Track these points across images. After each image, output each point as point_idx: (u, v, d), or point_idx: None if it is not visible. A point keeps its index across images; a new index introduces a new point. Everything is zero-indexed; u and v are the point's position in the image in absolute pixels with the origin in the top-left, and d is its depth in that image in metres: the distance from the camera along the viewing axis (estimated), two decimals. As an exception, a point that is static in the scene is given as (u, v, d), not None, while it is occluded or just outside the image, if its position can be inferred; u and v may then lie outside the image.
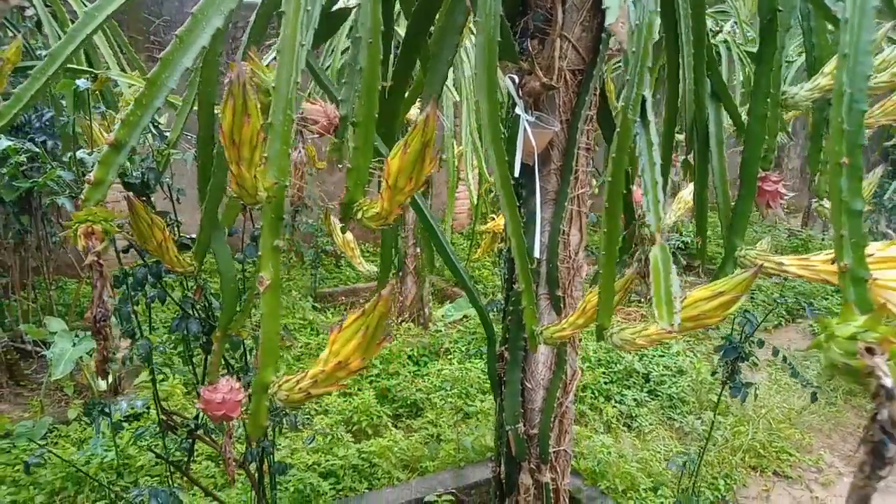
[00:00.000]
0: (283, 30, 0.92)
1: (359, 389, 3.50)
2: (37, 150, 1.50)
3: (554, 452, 1.87)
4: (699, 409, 3.61)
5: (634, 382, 3.89)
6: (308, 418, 3.24)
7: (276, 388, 0.90)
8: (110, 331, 0.96)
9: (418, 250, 4.43)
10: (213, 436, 1.98)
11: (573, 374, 1.87)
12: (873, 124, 1.21)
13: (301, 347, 4.02)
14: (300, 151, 1.34)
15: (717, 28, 3.52)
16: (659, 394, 3.77)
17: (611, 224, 1.10)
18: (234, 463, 1.84)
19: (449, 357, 4.02)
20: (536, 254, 1.65)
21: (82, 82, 1.40)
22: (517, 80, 1.57)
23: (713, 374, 2.61)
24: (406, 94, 1.92)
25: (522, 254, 1.37)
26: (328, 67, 4.02)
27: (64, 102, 2.96)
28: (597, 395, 3.70)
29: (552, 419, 1.83)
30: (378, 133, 1.82)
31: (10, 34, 3.53)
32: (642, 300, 1.36)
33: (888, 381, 0.72)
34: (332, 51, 3.99)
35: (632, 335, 1.12)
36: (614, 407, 3.58)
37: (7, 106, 1.18)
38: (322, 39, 1.58)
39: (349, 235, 2.45)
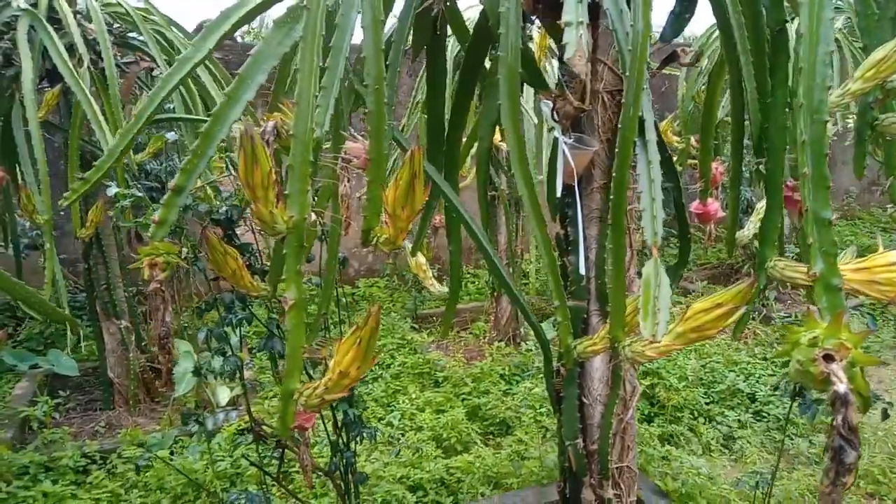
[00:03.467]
0: (299, 84, 1.07)
1: (451, 406, 3.61)
2: (139, 194, 1.76)
3: (616, 469, 1.88)
4: (811, 430, 3.38)
5: (738, 402, 3.70)
6: (401, 433, 3.39)
7: (298, 394, 1.03)
8: (172, 346, 1.14)
9: (511, 270, 4.50)
10: (297, 445, 2.16)
11: (633, 389, 1.87)
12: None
13: (398, 366, 4.20)
14: (345, 186, 1.49)
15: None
16: (765, 415, 3.57)
17: (616, 238, 1.15)
18: (312, 470, 2.02)
19: (539, 376, 4.03)
20: (582, 270, 1.70)
21: (172, 135, 1.64)
22: (552, 105, 1.63)
23: (774, 389, 2.46)
24: (465, 122, 2.04)
25: (555, 270, 1.43)
26: (419, 101, 4.25)
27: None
28: (696, 415, 3.56)
29: (612, 435, 1.84)
30: (439, 164, 1.96)
31: (139, 92, 4.06)
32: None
33: (842, 388, 0.73)
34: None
35: (642, 347, 1.15)
36: (714, 428, 3.43)
37: (101, 161, 1.42)
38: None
39: (421, 258, 2.60)
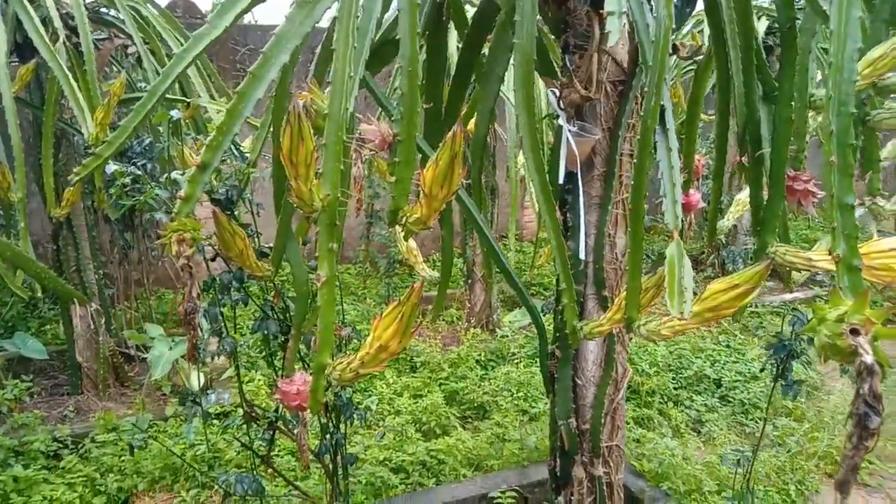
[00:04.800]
0: (334, 64, 1.08)
1: (428, 391, 3.65)
2: (139, 172, 1.74)
3: (607, 447, 1.95)
4: (773, 415, 3.54)
5: (705, 388, 3.85)
6: (381, 417, 3.42)
7: (331, 368, 1.05)
8: (198, 322, 1.14)
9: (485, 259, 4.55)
10: (291, 427, 2.17)
11: (624, 371, 1.94)
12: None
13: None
14: (358, 167, 1.50)
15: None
16: (731, 399, 3.72)
17: (635, 223, 1.20)
18: (308, 451, 2.03)
19: (515, 361, 4.11)
20: (582, 255, 1.75)
21: (176, 113, 1.63)
22: (558, 93, 1.68)
23: (761, 370, 2.58)
24: (463, 111, 2.07)
25: (563, 254, 1.47)
26: (397, 87, 4.25)
27: (161, 129, 3.30)
28: (665, 399, 3.69)
29: (603, 415, 1.90)
30: (436, 147, 1.98)
31: (115, 70, 3.95)
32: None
33: (869, 359, 0.79)
34: (401, 71, 4.21)
35: (657, 326, 1.20)
36: (683, 412, 3.57)
37: (115, 136, 1.40)
38: (380, 66, 1.75)
39: (412, 243, 2.62)
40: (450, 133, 0.98)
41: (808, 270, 1.27)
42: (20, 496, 2.78)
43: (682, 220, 1.11)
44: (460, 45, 2.72)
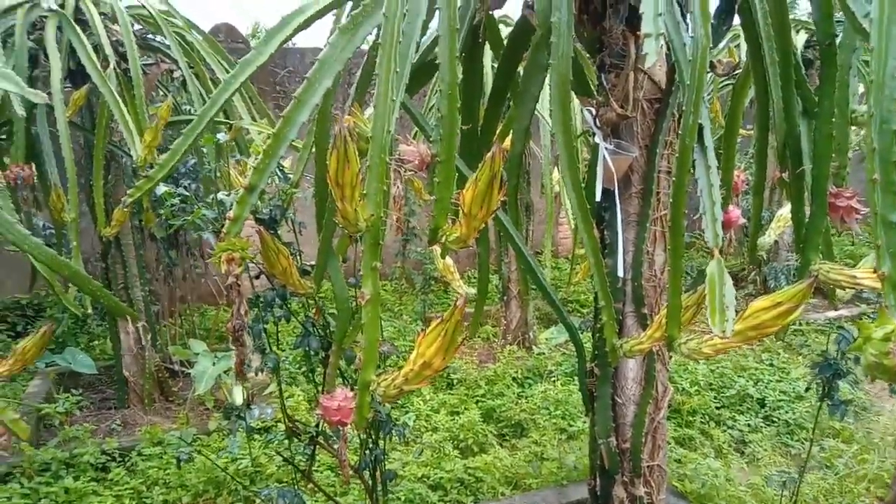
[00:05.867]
0: (377, 88, 1.12)
1: (465, 408, 3.65)
2: (186, 193, 1.81)
3: (648, 467, 1.92)
4: (820, 436, 3.44)
5: (748, 408, 3.76)
6: (418, 434, 3.43)
7: (376, 385, 1.07)
8: (246, 339, 1.18)
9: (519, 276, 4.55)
10: (331, 442, 2.20)
11: (664, 390, 1.92)
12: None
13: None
14: (398, 187, 1.53)
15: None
16: (775, 419, 3.63)
17: (675, 240, 1.20)
18: (348, 467, 2.05)
19: (552, 379, 4.09)
20: (620, 273, 1.75)
21: (222, 136, 1.68)
22: (595, 112, 1.69)
23: (806, 390, 2.52)
24: (498, 129, 2.09)
25: (601, 272, 1.48)
26: (433, 106, 4.31)
27: (205, 150, 3.41)
28: (707, 419, 3.62)
29: (644, 434, 1.88)
30: (473, 166, 2.01)
31: (161, 94, 4.10)
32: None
33: (918, 378, 0.78)
34: (437, 91, 4.27)
35: (698, 345, 1.20)
36: (725, 432, 3.49)
37: (166, 159, 1.47)
38: (418, 88, 1.79)
39: (448, 260, 2.64)
40: (489, 154, 1.00)
41: (853, 288, 1.25)
42: (70, 507, 2.87)
43: (723, 238, 1.11)
44: (494, 65, 2.76)
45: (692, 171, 1.16)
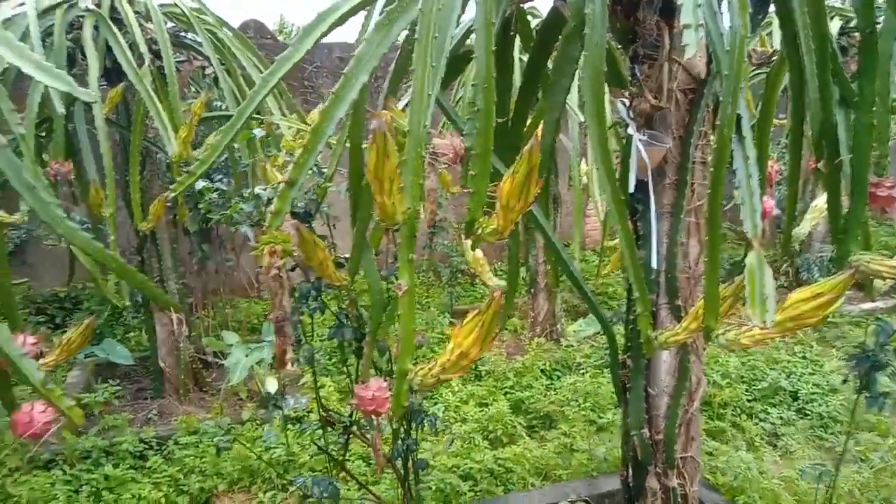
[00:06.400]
0: (413, 83, 1.13)
1: (494, 400, 3.67)
2: (224, 188, 1.84)
3: (681, 458, 1.92)
4: (855, 429, 3.39)
5: (781, 400, 3.72)
6: (447, 425, 3.46)
7: (413, 374, 1.09)
8: (288, 329, 1.21)
9: (548, 267, 4.54)
10: (364, 432, 2.23)
11: (698, 382, 1.91)
12: None
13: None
14: (431, 180, 1.55)
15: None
16: (808, 412, 3.58)
17: (712, 231, 1.19)
18: (382, 455, 2.08)
19: (581, 371, 4.08)
20: (654, 264, 1.74)
21: (258, 131, 1.71)
22: (628, 103, 1.68)
23: (843, 382, 2.48)
24: (528, 121, 2.09)
25: (635, 263, 1.48)
26: (460, 98, 4.32)
27: (236, 146, 3.46)
28: (739, 412, 3.59)
29: (677, 425, 1.88)
30: (504, 158, 2.02)
31: (193, 90, 4.17)
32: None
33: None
34: (463, 84, 4.27)
35: (736, 336, 1.19)
36: (757, 425, 3.46)
37: (206, 154, 1.50)
38: (450, 80, 1.80)
39: (479, 253, 2.65)
40: (527, 146, 1.01)
41: (895, 279, 1.24)
42: (111, 493, 2.95)
43: (759, 229, 1.10)
44: (521, 58, 2.76)
45: (730, 162, 1.16)
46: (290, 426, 3.10)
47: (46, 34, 3.06)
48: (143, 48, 3.18)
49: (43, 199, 1.20)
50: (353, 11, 1.51)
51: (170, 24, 3.68)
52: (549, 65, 1.82)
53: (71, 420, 1.07)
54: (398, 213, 1.07)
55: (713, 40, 1.23)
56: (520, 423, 3.42)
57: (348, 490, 2.80)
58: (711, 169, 1.17)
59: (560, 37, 1.77)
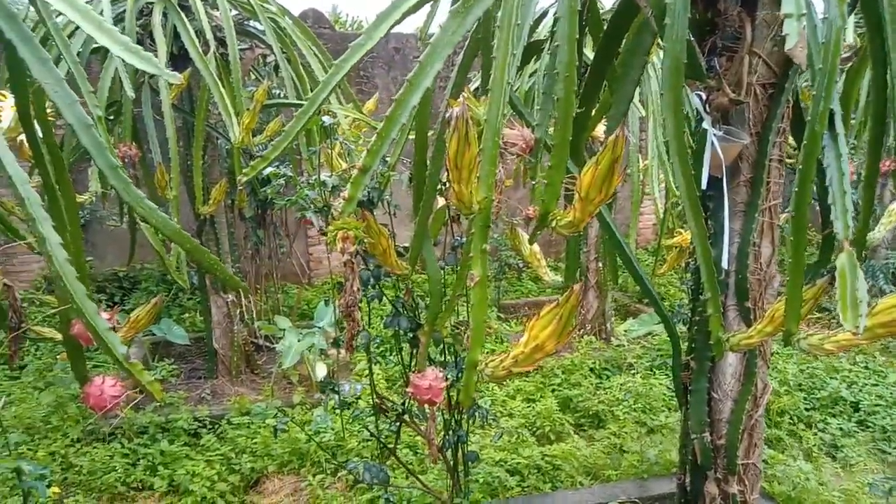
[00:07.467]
0: (493, 72, 1.11)
1: (541, 396, 3.64)
2: (290, 174, 1.86)
3: (742, 465, 1.87)
4: (922, 444, 3.24)
5: (841, 411, 3.58)
6: (494, 418, 3.45)
7: (484, 365, 1.08)
8: (357, 315, 1.22)
9: (600, 265, 4.47)
10: (416, 421, 2.24)
11: (764, 387, 1.85)
12: None
13: (486, 353, 4.26)
14: (502, 171, 1.53)
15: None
16: (870, 425, 3.44)
17: (798, 232, 1.15)
18: (436, 445, 2.09)
19: (632, 372, 4.01)
20: (724, 265, 1.69)
21: (327, 119, 1.72)
22: (704, 97, 1.63)
23: None
24: (592, 113, 2.05)
25: (709, 262, 1.43)
26: (517, 89, 4.28)
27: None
28: (796, 420, 3.47)
29: (741, 431, 1.83)
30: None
31: (253, 77, 4.24)
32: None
33: None
34: (520, 74, 4.23)
35: (820, 341, 1.15)
36: (816, 435, 3.34)
37: (279, 140, 1.52)
38: (519, 70, 1.77)
39: (535, 247, 2.62)
40: (612, 137, 0.98)
41: None
42: (166, 469, 3.04)
43: (852, 230, 1.05)
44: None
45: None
46: (338, 412, 3.14)
47: (118, 20, 3.15)
48: (209, 35, 3.25)
49: (125, 178, 1.23)
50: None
51: (234, 12, 3.75)
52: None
53: (151, 394, 1.10)
54: (475, 203, 1.06)
55: (807, 32, 1.17)
56: (567, 421, 3.39)
57: (395, 478, 2.82)
58: (800, 166, 1.12)
59: (630, 28, 1.73)
